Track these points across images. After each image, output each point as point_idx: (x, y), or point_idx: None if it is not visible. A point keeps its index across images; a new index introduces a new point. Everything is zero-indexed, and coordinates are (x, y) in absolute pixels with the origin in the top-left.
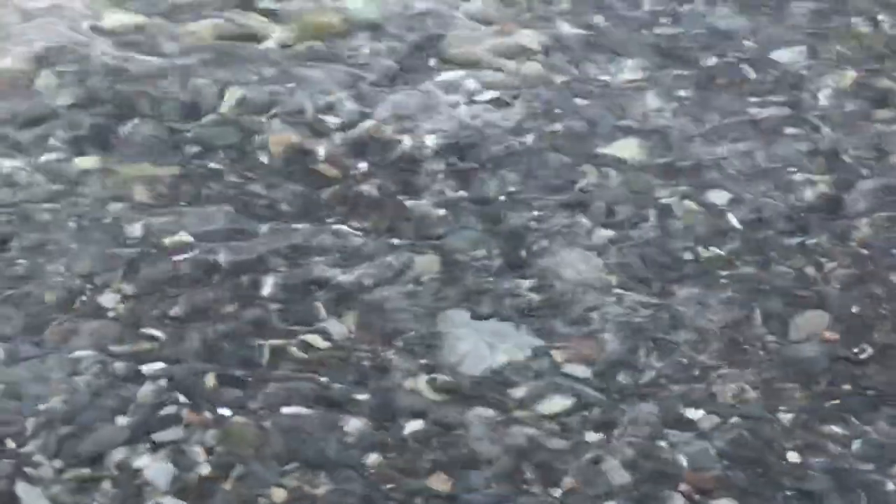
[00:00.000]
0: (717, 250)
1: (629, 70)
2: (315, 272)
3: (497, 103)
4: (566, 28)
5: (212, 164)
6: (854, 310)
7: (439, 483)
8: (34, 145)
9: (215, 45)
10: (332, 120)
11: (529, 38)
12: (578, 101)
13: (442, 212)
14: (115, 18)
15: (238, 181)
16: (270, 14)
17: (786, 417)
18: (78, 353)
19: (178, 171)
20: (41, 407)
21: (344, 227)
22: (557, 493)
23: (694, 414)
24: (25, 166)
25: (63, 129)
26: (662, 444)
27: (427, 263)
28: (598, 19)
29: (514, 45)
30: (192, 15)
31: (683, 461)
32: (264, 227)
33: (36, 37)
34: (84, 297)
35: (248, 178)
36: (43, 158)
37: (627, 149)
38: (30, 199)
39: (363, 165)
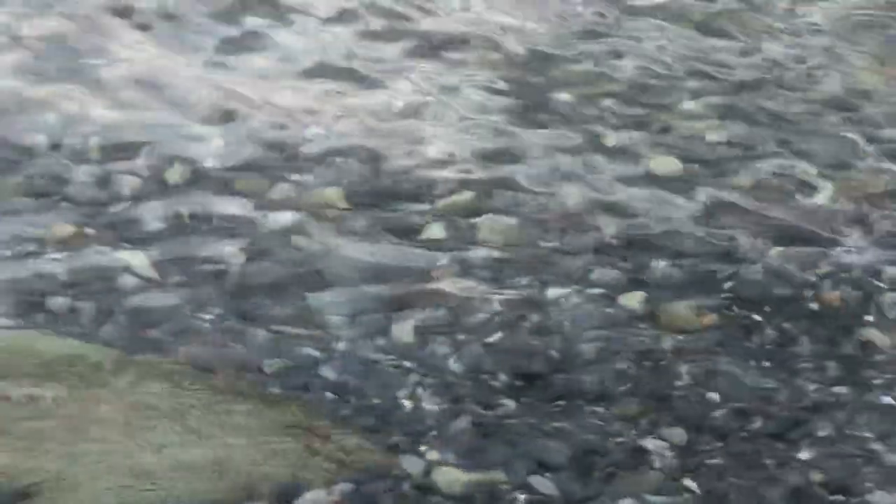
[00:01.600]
0: None
1: None
2: (862, 444)
3: None
4: None
5: (752, 315)
6: None
7: None
8: (581, 277)
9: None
10: (885, 284)
11: None
12: None
13: None
14: (662, 162)
15: (776, 335)
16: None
17: None
18: (623, 499)
19: (716, 317)
20: None
21: (891, 399)
22: None
23: None
24: (573, 295)
25: (606, 264)
26: None
27: None
28: None
29: None
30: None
31: None
32: (810, 388)
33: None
34: (626, 440)
35: (789, 333)
36: (590, 291)
37: None
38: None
39: None
